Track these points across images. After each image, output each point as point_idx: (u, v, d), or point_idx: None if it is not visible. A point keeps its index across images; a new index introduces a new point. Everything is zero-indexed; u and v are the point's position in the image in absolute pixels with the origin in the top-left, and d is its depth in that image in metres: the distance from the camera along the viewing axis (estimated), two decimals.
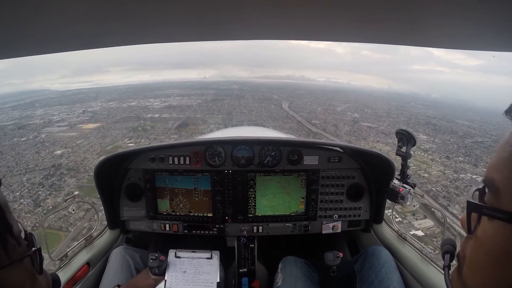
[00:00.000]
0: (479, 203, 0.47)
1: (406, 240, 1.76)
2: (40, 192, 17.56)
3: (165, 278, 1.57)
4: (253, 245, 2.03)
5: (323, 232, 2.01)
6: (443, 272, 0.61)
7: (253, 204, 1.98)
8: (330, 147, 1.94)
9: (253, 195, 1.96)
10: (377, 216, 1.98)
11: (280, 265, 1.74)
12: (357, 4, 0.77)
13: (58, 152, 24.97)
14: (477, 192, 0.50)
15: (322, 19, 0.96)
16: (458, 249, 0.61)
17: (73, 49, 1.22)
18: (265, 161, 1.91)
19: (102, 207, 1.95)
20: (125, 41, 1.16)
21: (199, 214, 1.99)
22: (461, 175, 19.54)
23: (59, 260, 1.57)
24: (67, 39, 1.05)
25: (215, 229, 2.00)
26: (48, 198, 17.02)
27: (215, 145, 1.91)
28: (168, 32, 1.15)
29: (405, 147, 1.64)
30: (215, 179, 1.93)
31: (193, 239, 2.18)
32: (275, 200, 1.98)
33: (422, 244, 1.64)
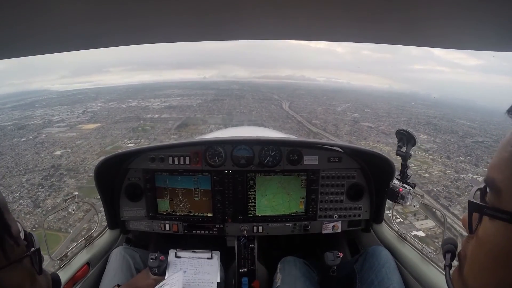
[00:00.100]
0: (481, 203, 0.47)
1: (406, 240, 1.76)
2: (39, 193, 17.56)
3: (165, 278, 1.57)
4: (253, 245, 2.03)
5: (323, 232, 2.01)
6: (444, 271, 0.61)
7: (253, 204, 1.98)
8: (330, 147, 1.94)
9: (253, 195, 1.96)
10: (377, 216, 1.98)
11: (279, 265, 1.74)
12: (357, 4, 0.77)
13: (58, 152, 24.98)
14: (478, 192, 0.50)
15: (322, 19, 0.96)
16: (459, 248, 0.61)
17: (73, 49, 1.22)
18: (265, 161, 1.91)
19: (102, 208, 1.95)
20: (125, 41, 1.16)
21: (199, 214, 1.99)
22: (462, 175, 19.54)
23: (59, 260, 1.57)
24: (67, 39, 1.05)
25: (215, 229, 2.00)
26: (47, 199, 17.01)
27: (215, 145, 1.91)
28: (168, 32, 1.15)
29: (405, 147, 1.64)
30: (215, 179, 1.93)
31: (193, 239, 2.18)
32: (275, 200, 1.98)
33: (422, 244, 1.64)
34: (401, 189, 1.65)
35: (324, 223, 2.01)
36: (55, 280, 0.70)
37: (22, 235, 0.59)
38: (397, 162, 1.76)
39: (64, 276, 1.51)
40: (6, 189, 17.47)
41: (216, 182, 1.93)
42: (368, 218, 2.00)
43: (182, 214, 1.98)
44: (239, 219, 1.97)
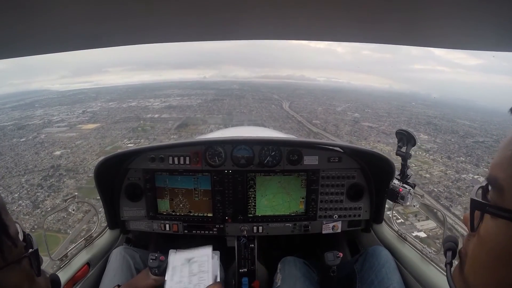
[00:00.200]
0: (483, 201, 0.47)
1: (406, 240, 1.76)
2: (39, 194, 17.55)
3: (165, 278, 1.56)
4: (253, 245, 2.03)
5: (323, 232, 2.01)
6: (445, 269, 0.61)
7: (253, 204, 1.98)
8: (330, 147, 1.94)
9: (253, 195, 1.96)
10: (377, 216, 1.98)
11: (279, 265, 1.74)
12: (357, 4, 0.77)
13: (57, 152, 24.98)
14: (480, 190, 0.50)
15: (322, 19, 0.96)
16: (460, 246, 0.61)
17: (73, 49, 1.22)
18: (265, 161, 1.91)
19: (101, 208, 1.95)
20: (125, 41, 1.16)
21: (199, 214, 1.99)
22: (463, 175, 19.55)
23: (59, 260, 1.57)
24: (67, 39, 1.04)
25: (215, 229, 2.00)
26: (47, 199, 17.00)
27: (215, 145, 1.91)
28: (168, 32, 1.15)
29: (405, 147, 1.64)
30: (215, 179, 1.93)
31: (193, 239, 2.18)
32: (275, 200, 1.98)
33: (423, 245, 1.64)
34: (401, 189, 1.65)
35: (324, 223, 2.01)
36: (54, 281, 0.70)
37: (20, 236, 0.58)
38: (397, 162, 1.76)
39: (64, 276, 1.51)
40: (5, 190, 17.47)
41: (216, 182, 1.93)
42: (368, 218, 2.00)
43: (182, 214, 1.98)
44: (239, 219, 1.97)
